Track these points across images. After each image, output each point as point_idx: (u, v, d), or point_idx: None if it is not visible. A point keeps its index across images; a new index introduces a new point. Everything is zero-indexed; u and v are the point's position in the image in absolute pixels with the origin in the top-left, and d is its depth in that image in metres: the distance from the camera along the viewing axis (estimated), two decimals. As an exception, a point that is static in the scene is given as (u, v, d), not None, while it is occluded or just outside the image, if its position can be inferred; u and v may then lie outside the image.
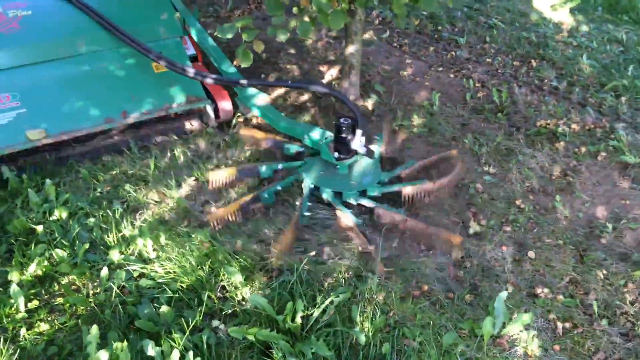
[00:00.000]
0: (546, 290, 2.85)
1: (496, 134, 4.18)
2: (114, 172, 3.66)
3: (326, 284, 2.78)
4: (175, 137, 4.06)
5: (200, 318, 2.58)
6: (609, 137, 4.12)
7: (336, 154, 3.34)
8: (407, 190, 3.30)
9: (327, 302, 2.56)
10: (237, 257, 2.89)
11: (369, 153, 3.27)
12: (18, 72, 3.64)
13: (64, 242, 3.01)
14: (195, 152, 3.91)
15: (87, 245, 2.93)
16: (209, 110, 4.10)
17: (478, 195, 3.53)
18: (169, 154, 3.84)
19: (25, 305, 2.65)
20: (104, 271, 2.79)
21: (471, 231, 3.24)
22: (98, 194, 3.45)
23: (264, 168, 3.49)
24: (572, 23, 6.55)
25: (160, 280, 2.78)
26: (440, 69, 5.34)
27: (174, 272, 2.82)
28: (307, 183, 3.35)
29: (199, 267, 2.84)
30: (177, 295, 2.71)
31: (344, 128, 3.25)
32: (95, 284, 2.81)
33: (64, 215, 3.21)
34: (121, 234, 3.11)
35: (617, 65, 5.26)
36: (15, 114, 3.54)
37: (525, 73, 5.22)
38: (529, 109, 4.53)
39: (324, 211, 3.31)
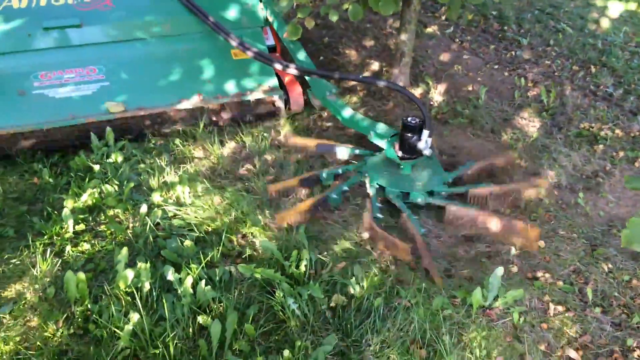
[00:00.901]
0: (547, 275, 2.94)
1: (535, 131, 4.23)
2: (168, 130, 4.04)
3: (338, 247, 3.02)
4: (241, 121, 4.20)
5: (219, 256, 2.89)
6: (653, 146, 4.08)
7: (400, 153, 3.35)
8: (476, 192, 3.29)
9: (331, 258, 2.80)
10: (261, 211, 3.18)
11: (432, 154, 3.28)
12: (106, 47, 3.91)
13: (115, 181, 3.41)
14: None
15: (132, 184, 3.32)
16: (281, 100, 4.21)
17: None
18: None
19: (73, 228, 3.06)
20: (144, 208, 3.16)
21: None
22: (152, 145, 3.85)
23: (324, 174, 3.46)
24: (646, 34, 6.37)
25: (190, 221, 3.11)
26: (496, 66, 5.40)
27: (203, 217, 3.14)
28: (373, 183, 3.37)
29: (226, 214, 3.15)
30: (202, 235, 3.03)
31: (410, 127, 3.24)
32: (135, 218, 3.19)
33: (119, 159, 3.62)
34: (164, 180, 3.47)
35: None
36: (99, 86, 3.84)
37: (582, 78, 5.18)
38: (576, 112, 4.53)
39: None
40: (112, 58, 3.91)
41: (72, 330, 2.49)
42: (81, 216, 3.16)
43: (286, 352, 2.36)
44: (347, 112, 3.82)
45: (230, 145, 3.91)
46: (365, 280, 2.74)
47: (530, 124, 4.41)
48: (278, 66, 3.83)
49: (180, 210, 3.21)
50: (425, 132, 3.18)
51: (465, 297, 2.73)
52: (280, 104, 4.23)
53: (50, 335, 2.46)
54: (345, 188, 3.37)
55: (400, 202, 3.25)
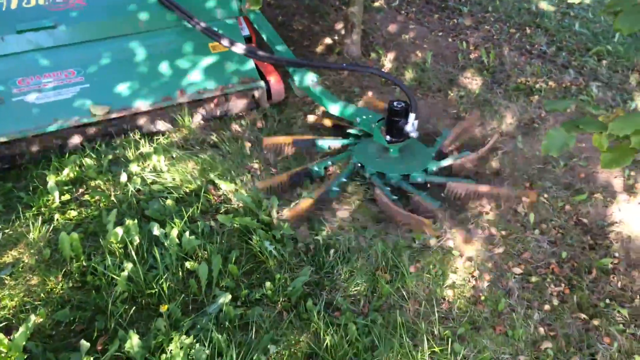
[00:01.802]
0: (488, 207, 3.33)
1: (477, 88, 4.63)
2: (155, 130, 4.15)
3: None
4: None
5: (198, 212, 3.18)
6: (582, 93, 4.53)
7: (388, 137, 3.43)
8: (452, 185, 3.36)
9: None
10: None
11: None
12: (84, 48, 3.82)
13: (92, 155, 3.64)
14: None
15: (110, 157, 3.55)
16: (261, 91, 4.21)
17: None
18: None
19: (59, 198, 3.29)
20: (124, 177, 3.42)
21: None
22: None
23: (316, 167, 3.50)
24: (576, -3, 6.87)
25: (168, 186, 3.38)
26: (440, 34, 5.78)
27: (181, 180, 3.42)
28: (370, 170, 3.44)
29: (201, 176, 3.43)
30: (181, 196, 3.31)
31: (397, 111, 3.32)
32: (117, 187, 3.43)
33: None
34: (139, 151, 3.72)
35: (605, 33, 5.61)
36: (79, 89, 3.76)
37: (518, 39, 5.62)
38: (514, 69, 4.95)
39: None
40: (90, 59, 3.85)
41: (71, 284, 2.75)
42: (65, 188, 3.38)
43: (268, 284, 2.68)
44: (331, 100, 3.85)
45: (198, 118, 4.17)
46: (337, 222, 3.08)
47: (473, 82, 4.80)
48: (260, 57, 3.85)
49: (158, 177, 3.47)
50: (412, 115, 3.29)
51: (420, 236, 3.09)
52: (261, 95, 4.25)
53: (51, 288, 2.71)
54: (344, 179, 3.42)
55: (406, 185, 3.37)
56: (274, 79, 4.31)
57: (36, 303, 2.62)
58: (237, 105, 4.23)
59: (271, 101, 4.36)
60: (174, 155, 3.64)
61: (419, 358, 2.37)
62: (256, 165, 3.62)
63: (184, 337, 2.35)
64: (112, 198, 3.31)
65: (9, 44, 3.68)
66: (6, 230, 3.10)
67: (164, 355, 2.30)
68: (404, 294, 2.73)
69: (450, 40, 5.63)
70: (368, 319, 2.58)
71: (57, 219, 3.16)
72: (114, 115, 3.77)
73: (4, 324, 2.51)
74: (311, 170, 3.48)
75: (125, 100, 3.84)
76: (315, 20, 5.97)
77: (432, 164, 3.51)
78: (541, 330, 2.58)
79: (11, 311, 2.60)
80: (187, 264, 2.78)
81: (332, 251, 2.94)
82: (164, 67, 4.01)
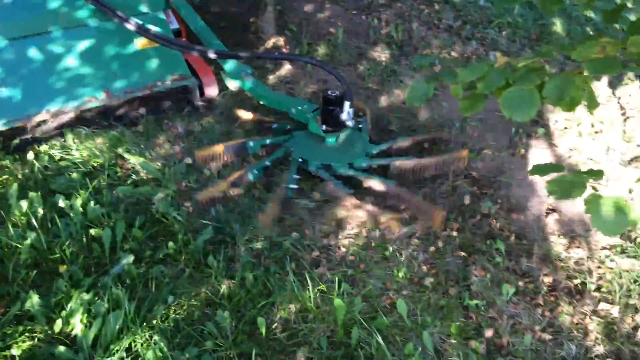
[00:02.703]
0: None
1: (385, 60, 4.86)
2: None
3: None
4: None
5: (105, 184, 3.26)
6: (482, 61, 4.82)
7: (323, 127, 3.40)
8: (396, 164, 3.34)
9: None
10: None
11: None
12: None
13: None
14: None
15: (17, 141, 3.56)
16: (194, 88, 3.99)
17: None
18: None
19: (-38, 182, 3.30)
20: (30, 155, 3.45)
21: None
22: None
23: (251, 143, 3.47)
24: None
25: (76, 161, 3.44)
26: (355, 12, 5.97)
27: (88, 155, 3.48)
28: (295, 157, 3.37)
29: (109, 150, 3.51)
30: (89, 170, 3.38)
31: (331, 100, 3.29)
32: (24, 166, 3.46)
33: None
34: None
35: (507, 6, 5.95)
36: None
37: (427, 14, 5.87)
38: (421, 42, 5.21)
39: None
40: (6, 59, 3.53)
41: (-28, 257, 2.79)
42: (-32, 170, 3.40)
43: (170, 244, 2.81)
44: (265, 92, 3.80)
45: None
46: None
47: (382, 55, 5.03)
48: (192, 51, 3.67)
49: (67, 154, 3.52)
50: (347, 104, 3.25)
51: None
52: (193, 92, 4.03)
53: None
54: (267, 163, 3.37)
55: (357, 172, 3.32)
56: (206, 74, 4.09)
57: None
58: (168, 103, 4.02)
59: (204, 97, 4.14)
60: (83, 133, 3.68)
61: (307, 297, 2.55)
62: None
63: (84, 294, 2.46)
64: (19, 176, 3.34)
65: None
66: None
67: (64, 312, 2.40)
68: (303, 245, 2.92)
69: (363, 17, 5.84)
70: (264, 269, 2.75)
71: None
72: (38, 119, 3.56)
73: None
74: (247, 145, 3.44)
75: (47, 103, 3.58)
76: (228, 2, 6.07)
77: (371, 147, 3.51)
78: (424, 268, 2.81)
79: None
80: (92, 231, 2.87)
81: (235, 212, 3.09)
82: (87, 66, 3.72)
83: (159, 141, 3.70)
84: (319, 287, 2.61)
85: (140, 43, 3.86)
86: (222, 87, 4.22)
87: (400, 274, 2.74)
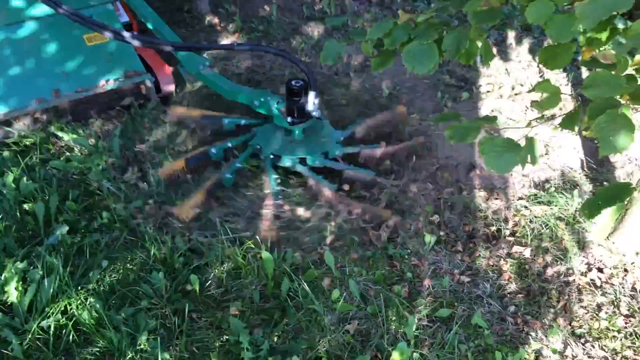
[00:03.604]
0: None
1: (318, 33, 4.98)
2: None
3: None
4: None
5: (38, 160, 3.27)
6: (410, 33, 4.99)
7: (289, 119, 3.27)
8: (366, 152, 3.36)
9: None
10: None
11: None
12: None
13: None
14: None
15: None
16: (149, 84, 3.79)
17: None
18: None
19: None
20: (-40, 136, 3.42)
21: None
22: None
23: (214, 150, 3.31)
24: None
25: (7, 141, 3.43)
26: (289, -11, 6.07)
27: (19, 135, 3.48)
28: (266, 153, 3.25)
29: (41, 132, 3.51)
30: (21, 149, 3.38)
31: (295, 91, 3.16)
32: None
33: None
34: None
35: (437, -19, 6.15)
36: None
37: (361, -9, 6.03)
38: (353, 16, 5.35)
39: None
40: None
41: None
42: None
43: (104, 214, 2.87)
44: (225, 84, 3.59)
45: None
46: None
47: (316, 30, 5.14)
48: (145, 44, 3.41)
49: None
50: (312, 94, 3.14)
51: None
52: (149, 87, 3.82)
53: None
54: (239, 165, 3.26)
55: (332, 163, 3.28)
56: (162, 70, 3.93)
57: None
58: (123, 102, 3.79)
59: (161, 94, 3.94)
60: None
61: (239, 253, 2.68)
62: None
63: (17, 263, 2.50)
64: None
65: None
66: None
67: (-2, 282, 2.45)
68: (237, 208, 3.03)
69: (299, -5, 5.94)
70: (196, 233, 2.85)
71: None
72: None
73: None
74: (209, 153, 3.30)
75: None
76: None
77: (338, 134, 3.46)
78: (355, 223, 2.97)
79: None
80: (25, 206, 2.90)
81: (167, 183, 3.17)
82: (34, 65, 3.53)
83: (94, 122, 3.72)
84: (248, 244, 2.73)
85: (89, 38, 3.71)
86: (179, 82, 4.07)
87: (328, 232, 2.89)
